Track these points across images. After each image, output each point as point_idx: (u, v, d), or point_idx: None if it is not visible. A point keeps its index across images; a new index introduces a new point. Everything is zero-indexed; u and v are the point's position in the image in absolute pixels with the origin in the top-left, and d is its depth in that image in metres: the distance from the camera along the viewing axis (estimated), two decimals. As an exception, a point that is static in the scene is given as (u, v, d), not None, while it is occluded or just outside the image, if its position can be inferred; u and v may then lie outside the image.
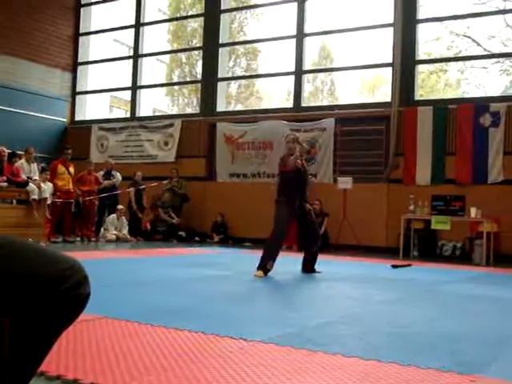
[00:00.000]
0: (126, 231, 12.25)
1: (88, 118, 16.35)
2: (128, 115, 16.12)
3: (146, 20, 15.71)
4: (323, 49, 27.29)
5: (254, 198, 12.42)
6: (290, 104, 13.88)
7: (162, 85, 23.91)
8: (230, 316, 4.06)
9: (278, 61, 18.85)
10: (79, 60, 16.21)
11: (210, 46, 14.21)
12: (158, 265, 7.79)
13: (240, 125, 13.30)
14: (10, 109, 14.14)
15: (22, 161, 11.12)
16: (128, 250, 10.50)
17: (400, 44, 11.73)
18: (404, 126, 11.53)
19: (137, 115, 15.32)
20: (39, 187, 10.50)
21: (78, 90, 16.22)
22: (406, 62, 11.73)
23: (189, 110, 25.67)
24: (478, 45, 18.24)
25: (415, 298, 5.46)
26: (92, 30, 16.55)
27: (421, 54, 12.95)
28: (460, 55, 18.44)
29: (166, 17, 24.80)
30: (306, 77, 14.05)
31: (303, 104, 13.28)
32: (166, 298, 4.78)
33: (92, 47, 16.75)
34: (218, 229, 12.85)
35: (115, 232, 12.03)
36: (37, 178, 10.99)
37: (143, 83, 15.70)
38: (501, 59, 17.44)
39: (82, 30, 16.22)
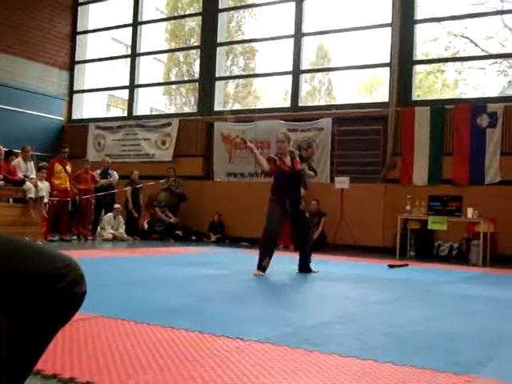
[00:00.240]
0: (122, 230, 12.24)
1: (85, 116, 16.35)
2: (125, 114, 16.12)
3: (144, 19, 15.69)
4: (321, 48, 27.34)
5: (251, 198, 12.41)
6: (287, 104, 13.87)
7: (159, 84, 23.92)
8: (227, 315, 4.06)
9: (275, 60, 18.89)
10: (77, 58, 16.19)
11: (208, 45, 14.20)
12: (154, 264, 7.78)
13: (237, 124, 13.29)
14: (7, 107, 14.11)
15: (19, 159, 11.10)
16: (125, 249, 10.49)
17: (398, 44, 11.74)
18: (401, 126, 11.54)
19: (134, 114, 15.30)
20: (36, 186, 10.48)
21: (75, 88, 16.20)
22: (403, 62, 11.73)
23: (186, 109, 25.69)
24: (476, 45, 18.27)
25: (412, 298, 5.46)
26: (89, 28, 16.53)
27: (418, 54, 12.96)
28: (457, 56, 18.46)
29: (164, 16, 24.81)
30: (303, 76, 14.04)
31: (300, 104, 13.28)
32: (162, 298, 4.77)
33: (89, 46, 16.74)
34: (215, 228, 12.85)
35: (112, 231, 12.02)
36: (33, 176, 10.97)
37: (141, 82, 15.69)
38: (498, 60, 17.47)
39: (79, 29, 16.19)
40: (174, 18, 24.97)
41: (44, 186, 10.79)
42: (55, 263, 1.48)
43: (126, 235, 12.19)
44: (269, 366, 2.69)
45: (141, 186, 12.95)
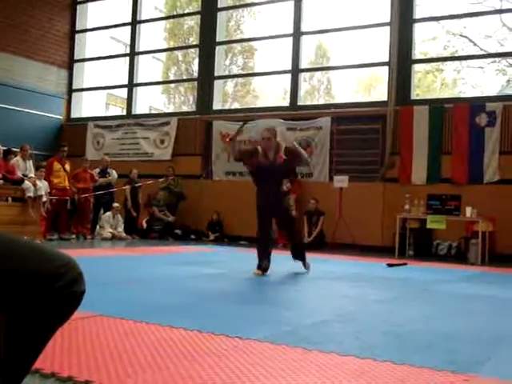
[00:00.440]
0: (121, 229, 12.24)
1: (84, 115, 16.34)
2: (124, 113, 16.10)
3: (143, 18, 15.68)
4: (320, 47, 27.33)
5: (249, 197, 12.37)
6: (286, 102, 13.86)
7: (158, 83, 23.90)
8: (226, 314, 4.06)
9: (274, 59, 18.89)
10: (75, 57, 16.17)
11: (207, 44, 14.20)
12: (153, 263, 7.78)
13: (236, 123, 13.28)
14: (5, 106, 14.10)
15: (18, 158, 11.09)
16: (123, 248, 10.49)
17: (396, 43, 11.74)
18: (400, 125, 11.54)
19: (133, 113, 15.29)
20: (35, 185, 10.48)
21: (74, 87, 16.18)
22: (402, 62, 11.73)
23: (185, 108, 25.68)
24: (475, 44, 18.29)
25: (410, 297, 5.47)
26: (88, 27, 16.52)
27: (417, 53, 12.97)
28: (456, 55, 18.49)
29: (163, 14, 24.79)
30: (302, 75, 14.05)
31: (299, 103, 13.28)
32: (161, 296, 4.77)
33: (88, 44, 16.73)
34: (214, 227, 12.85)
35: (111, 230, 12.02)
36: (32, 175, 10.96)
37: (139, 81, 15.68)
38: (497, 59, 17.50)
39: (78, 28, 16.17)
40: (173, 16, 24.96)
41: (43, 184, 10.79)
42: (54, 262, 1.48)
43: (124, 234, 12.18)
44: (268, 365, 2.69)
45: (140, 184, 12.95)
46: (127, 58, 15.85)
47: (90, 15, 16.54)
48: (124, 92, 16.15)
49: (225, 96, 20.51)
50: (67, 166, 11.73)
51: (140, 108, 16.17)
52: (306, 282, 6.26)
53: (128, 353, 2.82)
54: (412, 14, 11.87)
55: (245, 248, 10.93)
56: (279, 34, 14.29)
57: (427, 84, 21.92)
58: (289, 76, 13.38)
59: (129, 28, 15.64)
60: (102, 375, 2.45)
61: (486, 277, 7.86)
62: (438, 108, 11.30)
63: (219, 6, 14.20)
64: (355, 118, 11.98)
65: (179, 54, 27.06)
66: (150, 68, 20.22)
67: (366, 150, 11.83)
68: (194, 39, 24.10)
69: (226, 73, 20.88)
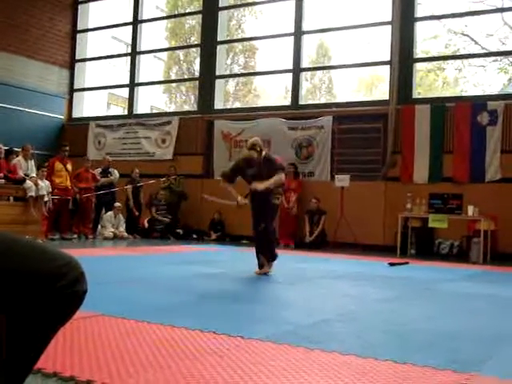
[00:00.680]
0: (123, 229, 12.25)
1: (85, 115, 16.35)
2: (125, 112, 16.11)
3: (144, 17, 15.68)
4: (321, 46, 27.32)
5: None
6: (287, 102, 13.84)
7: (159, 82, 23.90)
8: (227, 314, 4.06)
9: (275, 58, 18.89)
10: (77, 57, 16.18)
11: (208, 44, 14.19)
12: (154, 262, 7.79)
13: (238, 122, 13.30)
14: (7, 105, 14.11)
15: (19, 158, 11.10)
16: (125, 247, 10.50)
17: (398, 42, 11.73)
18: (401, 124, 11.53)
19: (134, 112, 15.29)
20: (36, 184, 10.49)
21: (75, 87, 16.19)
22: (403, 60, 11.72)
23: (186, 108, 25.69)
24: (476, 43, 18.28)
25: (412, 296, 5.46)
26: (90, 27, 16.52)
27: (419, 52, 12.95)
28: (458, 53, 18.45)
29: (164, 14, 24.78)
30: (303, 74, 14.03)
31: (301, 102, 13.27)
32: (162, 296, 4.78)
33: (90, 44, 16.73)
34: (216, 226, 12.85)
35: (112, 229, 12.02)
36: (34, 175, 10.97)
37: (141, 80, 15.69)
38: (498, 57, 17.49)
39: (79, 27, 16.18)
40: (175, 16, 24.95)
41: (44, 184, 10.80)
42: (56, 262, 1.49)
43: (126, 234, 12.19)
44: (269, 365, 2.69)
45: (141, 184, 12.95)
46: (129, 58, 15.86)
47: (91, 15, 16.54)
48: (125, 92, 16.16)
49: (226, 95, 20.52)
50: (69, 166, 11.74)
51: (141, 107, 16.18)
52: (307, 282, 6.26)
53: (129, 352, 2.82)
54: (413, 12, 11.85)
55: (246, 247, 10.92)
56: (280, 33, 14.28)
57: (429, 83, 21.89)
58: (290, 75, 13.37)
59: (130, 27, 15.64)
60: (103, 375, 2.45)
61: (487, 276, 7.86)
62: (440, 107, 11.29)
63: (220, 5, 14.20)
64: (357, 117, 11.97)
65: (180, 53, 27.06)
66: (151, 67, 20.23)
67: (368, 149, 11.82)
68: (195, 38, 24.09)
69: (228, 72, 20.86)
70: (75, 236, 11.68)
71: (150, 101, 22.62)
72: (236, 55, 26.69)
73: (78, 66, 16.24)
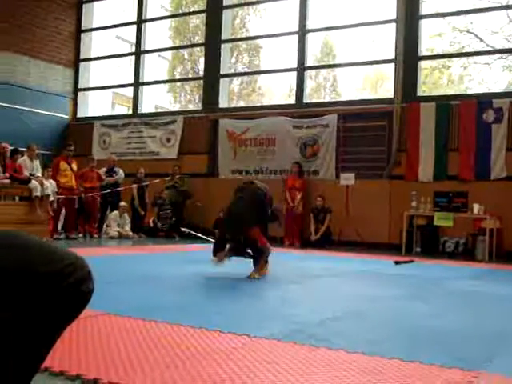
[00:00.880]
0: (128, 228, 12.26)
1: (90, 114, 16.37)
2: (130, 112, 16.12)
3: (148, 16, 15.69)
4: (325, 45, 27.27)
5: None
6: (292, 100, 13.82)
7: (164, 81, 23.92)
8: (233, 312, 4.06)
9: (280, 57, 18.86)
10: (81, 56, 16.21)
11: (212, 43, 14.19)
12: (160, 261, 7.79)
13: (242, 121, 13.29)
14: (12, 105, 14.14)
15: (25, 158, 11.12)
16: (130, 246, 10.51)
17: (402, 40, 11.71)
18: (406, 122, 11.51)
19: (139, 112, 15.31)
20: (42, 184, 10.51)
21: (80, 86, 16.22)
22: (408, 58, 11.70)
23: (191, 107, 25.68)
24: (481, 40, 18.21)
25: (418, 294, 5.45)
26: (94, 26, 16.54)
27: (423, 49, 12.90)
28: (463, 51, 18.41)
29: (168, 13, 24.77)
30: (308, 73, 14.02)
31: (305, 100, 13.26)
32: (168, 295, 4.78)
33: (94, 44, 16.75)
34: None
35: (117, 229, 12.04)
36: (39, 174, 11.00)
37: (145, 80, 15.70)
38: (504, 55, 17.40)
39: (83, 27, 16.21)
40: (179, 15, 24.95)
41: (50, 184, 10.82)
42: (62, 261, 1.48)
43: (131, 233, 12.21)
44: (276, 363, 2.69)
45: (147, 183, 12.97)
46: (133, 57, 15.88)
47: (95, 14, 16.56)
48: (130, 91, 16.18)
49: (230, 94, 20.48)
50: (74, 166, 11.76)
51: (146, 107, 16.19)
52: (313, 280, 6.26)
53: (136, 351, 2.83)
54: (418, 10, 11.83)
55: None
56: (285, 32, 14.28)
57: (434, 80, 21.83)
58: (294, 74, 13.36)
59: (134, 27, 15.65)
60: (110, 373, 2.45)
61: (493, 274, 7.84)
62: (445, 105, 11.26)
63: (224, 4, 14.19)
64: (361, 116, 11.96)
65: (185, 52, 27.06)
66: (155, 67, 20.23)
67: (373, 147, 11.81)
68: (199, 38, 24.07)
69: (232, 71, 20.86)
70: (81, 235, 11.71)
71: (155, 100, 22.63)
72: (240, 54, 26.67)
73: (82, 65, 16.27)
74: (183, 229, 12.74)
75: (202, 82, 15.30)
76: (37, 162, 11.40)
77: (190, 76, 26.57)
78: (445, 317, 4.18)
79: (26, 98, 14.50)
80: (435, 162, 11.19)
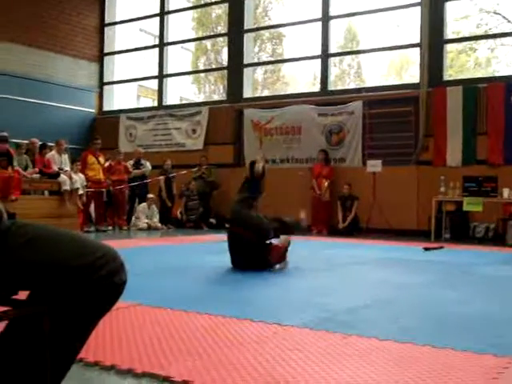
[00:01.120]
0: (156, 219, 12.35)
1: (116, 107, 16.48)
2: (155, 104, 16.19)
3: (171, 8, 15.71)
4: (349, 31, 27.03)
5: (282, 184, 12.41)
6: (316, 88, 13.74)
7: (188, 73, 23.95)
8: (263, 301, 4.08)
9: (303, 45, 18.75)
10: (105, 50, 16.30)
11: (235, 32, 14.16)
12: (189, 252, 7.84)
13: (267, 110, 13.26)
14: (39, 101, 14.30)
15: (53, 152, 11.27)
16: (159, 238, 10.60)
17: (428, 23, 11.55)
18: (433, 107, 11.37)
19: (164, 104, 15.37)
20: (70, 178, 10.65)
21: (105, 80, 16.32)
22: (434, 42, 11.54)
23: (215, 97, 25.69)
24: (509, 21, 17.89)
25: (449, 280, 5.41)
26: (117, 20, 16.62)
27: (449, 33, 12.72)
28: (490, 33, 18.09)
29: (191, 4, 24.75)
30: (332, 60, 13.93)
31: (330, 88, 13.19)
32: (197, 285, 4.81)
33: (118, 37, 16.83)
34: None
35: (146, 220, 12.14)
36: (68, 169, 11.14)
37: (169, 72, 15.74)
38: (532, 36, 17.06)
39: (107, 21, 16.29)
40: (201, 6, 24.89)
41: (78, 178, 10.96)
42: (93, 254, 1.50)
43: (159, 224, 12.30)
44: (307, 351, 2.70)
45: (173, 175, 13.03)
46: (157, 50, 15.91)
47: (118, 8, 16.63)
48: (155, 83, 16.23)
49: (255, 84, 20.45)
50: (101, 159, 11.88)
51: (171, 99, 16.25)
52: (341, 268, 6.24)
53: (168, 341, 2.86)
54: (443, -7, 11.65)
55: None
56: (307, 19, 14.17)
57: (460, 64, 21.53)
58: (318, 61, 13.27)
59: (157, 19, 15.69)
60: (143, 363, 2.48)
61: (525, 258, 7.74)
62: (472, 88, 11.09)
63: (247, -7, 14.14)
64: (387, 101, 11.84)
65: (208, 43, 27.05)
66: (179, 58, 20.27)
67: (399, 133, 11.69)
68: (222, 28, 24.04)
69: (255, 60, 20.79)
70: (110, 228, 11.84)
71: (180, 92, 22.69)
72: (263, 43, 26.59)
73: (106, 59, 16.37)
74: (211, 219, 12.80)
75: (225, 72, 15.30)
76: (65, 157, 11.54)
77: (214, 67, 26.57)
78: (476, 302, 4.14)
79: (53, 94, 14.65)
80: (463, 147, 11.05)
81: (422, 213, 11.04)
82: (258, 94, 19.91)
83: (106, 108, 16.29)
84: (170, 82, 15.83)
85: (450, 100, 11.17)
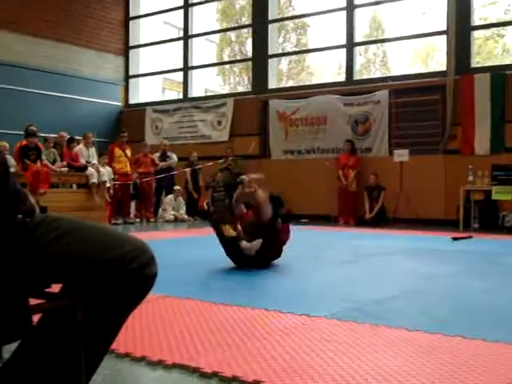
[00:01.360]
0: (183, 211, 12.42)
1: (142, 100, 16.57)
2: (181, 96, 16.25)
3: (195, 0, 15.72)
4: (374, 19, 26.80)
5: (308, 175, 12.39)
6: (341, 78, 13.64)
7: (212, 64, 23.96)
8: (290, 292, 4.08)
9: (328, 34, 18.64)
10: (131, 44, 16.39)
11: (259, 23, 14.12)
12: (216, 244, 7.86)
13: (292, 101, 13.22)
14: (65, 95, 14.44)
15: (81, 146, 11.39)
16: (186, 229, 10.65)
17: (454, 10, 11.38)
18: (460, 95, 11.23)
19: (189, 96, 15.42)
20: (98, 171, 10.76)
21: (130, 73, 16.41)
22: (461, 29, 11.38)
23: (240, 89, 25.70)
24: (537, 7, 17.54)
25: (478, 270, 5.35)
26: (142, 13, 16.68)
27: (476, 19, 12.52)
28: (518, 19, 17.77)
29: (214, -4, 24.74)
30: (357, 49, 13.82)
31: (355, 77, 13.09)
32: (226, 276, 4.83)
33: (143, 30, 16.91)
34: (274, 206, 12.83)
35: (173, 212, 12.21)
36: (95, 162, 11.26)
37: (194, 64, 15.77)
38: (561, 21, 16.72)
39: (132, 14, 16.36)
40: (225, -3, 24.91)
41: (106, 171, 11.06)
42: (123, 247, 1.51)
43: (186, 216, 12.36)
44: (336, 342, 2.70)
45: (200, 167, 13.08)
46: (181, 42, 15.95)
47: (142, 1, 16.69)
48: (180, 76, 16.28)
49: (279, 74, 20.40)
50: (128, 152, 11.97)
51: (196, 91, 16.29)
52: (367, 258, 6.21)
53: (198, 332, 2.88)
54: (470, -21, 11.47)
55: (306, 226, 10.92)
56: (332, 9, 14.06)
57: (488, 51, 21.21)
58: (343, 50, 13.18)
59: (181, 12, 15.71)
60: (173, 354, 2.51)
61: (556, 247, 7.62)
62: (500, 75, 10.92)
63: (270, -17, 14.08)
64: (413, 90, 11.72)
65: (232, 34, 27.04)
66: (204, 50, 20.28)
67: (426, 122, 11.57)
68: (246, 19, 24.01)
69: (280, 51, 20.73)
70: (137, 220, 11.94)
71: (204, 84, 22.74)
72: (288, 33, 26.49)
73: (132, 52, 16.45)
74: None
75: (250, 63, 15.28)
76: (92, 150, 11.66)
77: (238, 58, 26.56)
78: (506, 292, 4.10)
79: (79, 88, 14.78)
80: (492, 135, 10.90)
81: (450, 202, 10.93)
82: (282, 85, 19.85)
83: (131, 101, 16.39)
84: (194, 74, 15.86)
85: (477, 87, 11.02)
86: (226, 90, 26.51)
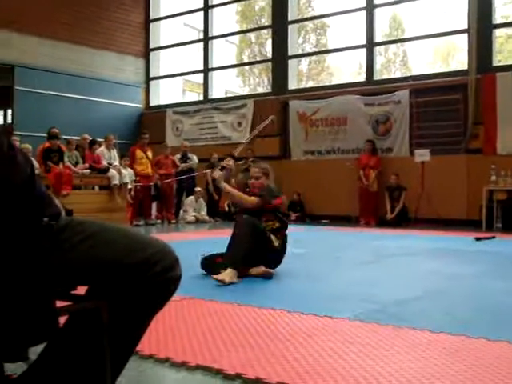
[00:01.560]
0: (204, 212, 12.46)
1: (162, 102, 16.66)
2: (201, 98, 16.30)
3: (215, 2, 15.76)
4: (394, 19, 26.65)
5: (329, 175, 12.36)
6: (362, 78, 13.58)
7: (232, 66, 23.99)
8: (313, 294, 4.08)
9: (347, 34, 18.57)
10: (151, 46, 16.49)
11: (279, 24, 14.13)
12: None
13: (313, 101, 13.20)
14: (87, 97, 14.57)
15: (103, 148, 11.49)
16: (207, 230, 10.69)
17: (476, 8, 11.29)
18: (482, 94, 11.13)
19: (209, 97, 15.47)
20: (120, 173, 10.84)
21: (151, 75, 16.52)
22: (482, 27, 11.28)
23: (260, 90, 25.70)
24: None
25: (502, 270, 5.30)
26: (162, 15, 16.78)
27: (498, 17, 12.40)
28: (540, 16, 17.56)
29: (234, -3, 24.78)
30: (377, 49, 13.76)
31: (376, 77, 13.03)
32: (247, 278, 4.84)
33: (163, 33, 17.00)
34: (295, 207, 12.86)
35: (194, 214, 12.25)
36: (117, 163, 11.34)
37: (214, 65, 15.81)
38: None
39: (152, 17, 16.46)
40: (244, -2, 24.93)
41: (127, 172, 11.14)
42: (146, 250, 1.52)
43: (207, 217, 12.40)
44: (359, 343, 2.70)
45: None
46: (201, 44, 16.01)
47: (162, 3, 16.79)
48: (200, 77, 16.34)
49: (299, 75, 20.36)
50: (149, 153, 12.04)
51: (216, 92, 16.33)
52: (389, 259, 6.18)
53: (220, 333, 2.89)
54: (491, -24, 11.37)
55: (326, 227, 10.89)
56: (351, 9, 14.01)
57: (510, 49, 20.97)
58: (363, 51, 13.14)
59: (201, 13, 15.77)
60: (197, 356, 2.52)
61: None
62: (523, 74, 10.81)
63: (290, -16, 14.07)
64: (434, 89, 11.64)
65: (252, 35, 27.06)
66: (223, 52, 20.33)
67: (447, 121, 11.48)
68: (265, 20, 24.02)
69: (300, 51, 20.71)
70: (159, 221, 12.00)
71: (225, 85, 22.78)
72: (307, 34, 26.44)
73: (152, 54, 16.56)
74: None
75: (270, 64, 15.29)
76: (114, 152, 11.75)
77: (258, 59, 26.57)
78: (531, 294, 4.06)
79: (100, 90, 14.90)
80: (514, 134, 10.78)
81: (472, 202, 10.84)
82: (302, 86, 19.80)
83: (152, 103, 16.48)
84: (214, 76, 15.91)
85: (499, 86, 10.92)
86: (246, 91, 26.54)
